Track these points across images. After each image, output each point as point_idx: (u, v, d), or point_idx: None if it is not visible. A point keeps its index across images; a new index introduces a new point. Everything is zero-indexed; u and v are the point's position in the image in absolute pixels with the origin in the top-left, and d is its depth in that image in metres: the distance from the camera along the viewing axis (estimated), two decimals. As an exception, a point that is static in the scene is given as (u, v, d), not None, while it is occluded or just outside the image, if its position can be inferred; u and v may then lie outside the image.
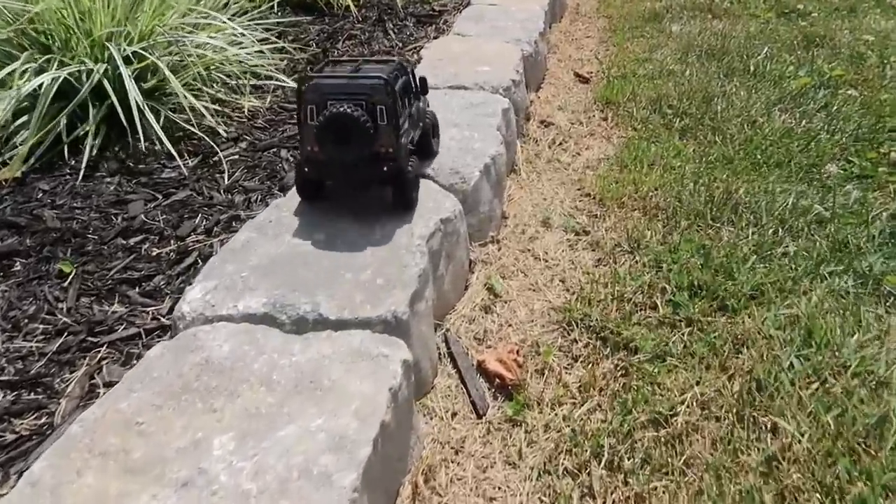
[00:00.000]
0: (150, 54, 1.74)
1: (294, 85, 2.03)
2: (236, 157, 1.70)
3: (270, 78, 2.07)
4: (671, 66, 2.84)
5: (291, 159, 1.70)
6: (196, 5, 1.93)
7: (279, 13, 2.87)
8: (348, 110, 1.14)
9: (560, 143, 2.24)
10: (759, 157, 2.00)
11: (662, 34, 3.31)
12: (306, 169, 1.27)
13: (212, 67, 1.89)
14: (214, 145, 1.68)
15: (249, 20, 2.51)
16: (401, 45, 2.58)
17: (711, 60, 2.87)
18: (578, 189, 1.95)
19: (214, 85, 1.94)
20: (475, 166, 1.58)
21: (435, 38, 2.66)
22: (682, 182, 1.88)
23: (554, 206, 1.85)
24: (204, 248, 1.34)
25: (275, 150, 1.74)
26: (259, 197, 1.53)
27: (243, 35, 2.06)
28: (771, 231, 1.63)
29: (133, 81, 1.67)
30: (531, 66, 2.54)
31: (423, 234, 1.28)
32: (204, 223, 1.42)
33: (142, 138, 1.64)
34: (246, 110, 1.91)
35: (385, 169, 1.23)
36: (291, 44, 2.48)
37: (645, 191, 1.86)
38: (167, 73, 1.69)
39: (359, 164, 1.21)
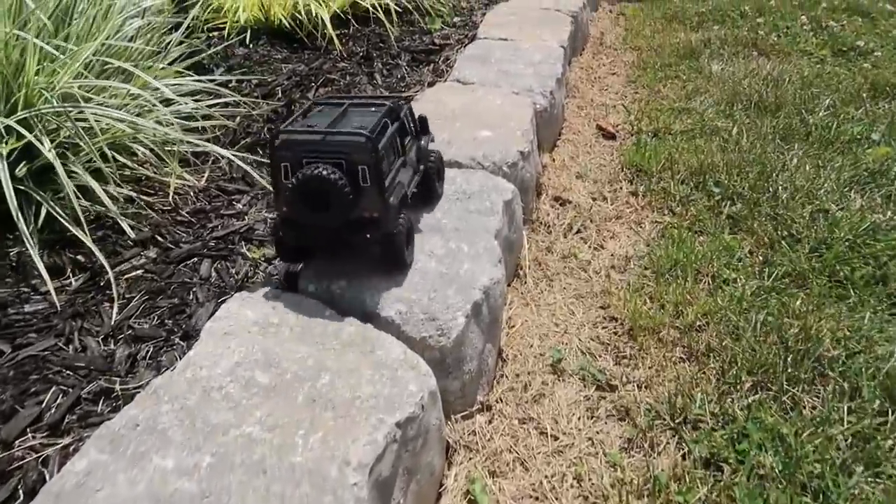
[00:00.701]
0: (36, 124, 1.30)
1: (231, 157, 1.58)
2: (139, 272, 1.25)
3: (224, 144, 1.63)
4: (714, 120, 2.37)
5: (214, 275, 1.26)
6: (105, 55, 1.48)
7: (251, 46, 2.43)
8: (324, 172, 1.00)
9: (578, 231, 1.78)
10: (840, 271, 1.53)
11: (701, 75, 2.83)
12: (281, 233, 1.12)
13: (124, 138, 1.45)
14: (104, 261, 1.23)
15: (204, 61, 2.07)
16: (387, 93, 2.13)
17: (763, 115, 2.39)
18: (601, 307, 1.49)
19: (134, 157, 1.49)
20: (460, 308, 1.13)
21: (431, 83, 2.21)
22: (739, 309, 1.42)
23: (568, 338, 1.39)
24: (31, 468, 0.89)
25: (195, 260, 1.29)
26: (150, 351, 1.08)
27: (183, 89, 1.61)
28: (875, 407, 1.16)
29: (5, 163, 1.24)
30: (546, 122, 2.08)
31: (365, 463, 0.83)
32: (53, 409, 0.97)
33: (26, 243, 1.20)
34: (171, 194, 1.47)
35: (368, 236, 1.08)
36: (253, 91, 2.04)
37: (690, 319, 1.40)
38: (48, 153, 1.25)
39: (340, 230, 1.08)
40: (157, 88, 1.44)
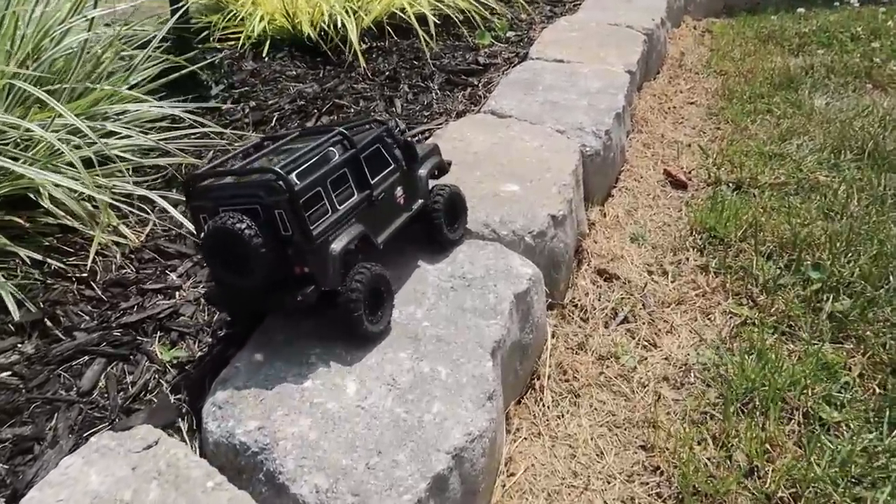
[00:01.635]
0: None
1: (175, 209, 1.25)
2: (5, 376, 0.93)
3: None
4: (815, 172, 1.89)
5: (100, 388, 0.93)
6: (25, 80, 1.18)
7: (266, 59, 2.13)
8: (229, 223, 0.83)
9: (625, 320, 1.36)
10: None
11: (799, 111, 2.34)
12: (210, 296, 0.98)
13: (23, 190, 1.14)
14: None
15: (203, 77, 1.76)
16: (405, 124, 1.77)
17: (880, 169, 1.89)
18: (642, 446, 1.08)
19: (40, 209, 1.18)
20: (410, 489, 0.75)
21: (460, 114, 1.84)
22: (845, 482, 0.97)
23: (589, 501, 0.98)
24: None
25: (83, 361, 0.96)
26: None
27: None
28: None
29: None
30: (597, 168, 1.68)
31: None
32: None
33: None
34: (91, 256, 1.15)
35: (300, 299, 0.86)
36: (244, 118, 1.72)
37: (770, 487, 0.97)
38: None
39: (271, 291, 0.88)
40: (75, 124, 1.12)
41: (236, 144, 1.56)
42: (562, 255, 1.34)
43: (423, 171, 1.10)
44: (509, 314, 1.04)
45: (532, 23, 2.80)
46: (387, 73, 2.08)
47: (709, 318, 1.38)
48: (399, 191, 1.03)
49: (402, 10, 2.32)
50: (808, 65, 2.75)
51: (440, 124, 1.74)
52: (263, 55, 2.16)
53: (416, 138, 1.65)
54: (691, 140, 2.20)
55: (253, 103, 1.80)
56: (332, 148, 0.95)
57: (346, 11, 2.24)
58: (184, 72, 1.63)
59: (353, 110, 1.80)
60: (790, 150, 2.04)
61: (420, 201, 1.08)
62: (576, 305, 1.38)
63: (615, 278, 1.47)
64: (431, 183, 1.13)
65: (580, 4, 3.00)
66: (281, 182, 0.84)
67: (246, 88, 1.91)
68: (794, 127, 2.20)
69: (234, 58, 2.12)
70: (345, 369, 0.90)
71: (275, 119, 1.72)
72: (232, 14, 2.35)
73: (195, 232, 0.92)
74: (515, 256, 1.17)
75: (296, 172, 0.87)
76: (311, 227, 0.86)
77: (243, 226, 0.82)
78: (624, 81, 2.05)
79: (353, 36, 2.12)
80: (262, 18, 2.23)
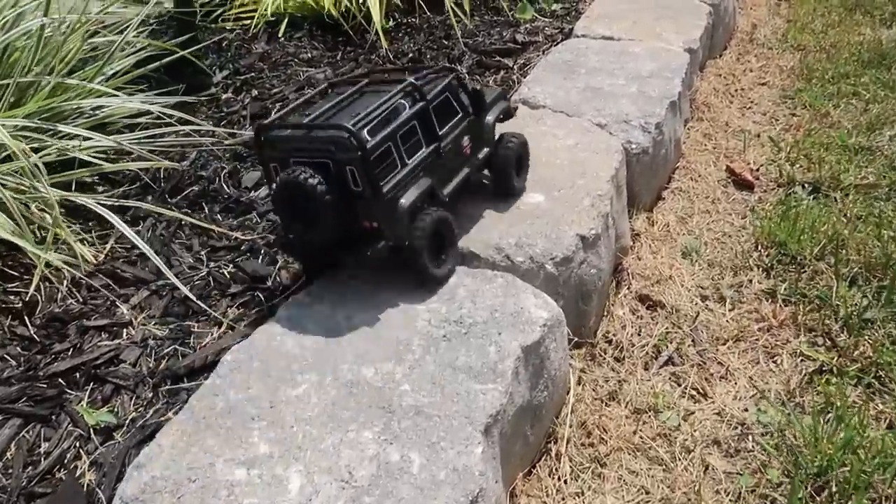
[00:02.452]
0: None
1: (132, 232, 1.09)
2: None
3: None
4: (912, 171, 1.59)
5: (12, 452, 0.77)
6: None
7: (282, 39, 1.94)
8: (301, 177, 0.83)
9: (669, 361, 1.13)
10: None
11: (893, 93, 2.00)
12: (283, 245, 1.00)
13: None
14: None
15: (207, 63, 1.59)
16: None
17: None
18: (682, 541, 0.85)
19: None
20: None
21: (487, 102, 1.60)
22: None
23: None
24: None
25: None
26: None
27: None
28: None
29: None
30: (645, 168, 1.43)
31: None
32: None
33: None
34: (35, 283, 0.99)
35: (370, 254, 0.87)
36: (241, 110, 1.53)
37: None
38: None
39: (339, 244, 0.89)
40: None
41: (226, 143, 1.38)
42: (593, 282, 1.11)
43: (490, 118, 1.07)
44: (513, 375, 0.82)
45: (582, -7, 2.52)
46: (410, 55, 1.86)
47: (774, 362, 1.13)
48: (466, 140, 1.02)
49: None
50: (903, 37, 2.38)
51: (461, 117, 1.51)
52: (280, 35, 1.97)
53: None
54: (761, 129, 1.90)
55: (255, 92, 1.62)
56: (402, 100, 0.93)
57: (371, -15, 2.02)
58: (172, 58, 1.45)
59: (364, 100, 1.59)
60: (881, 144, 1.72)
61: (486, 150, 1.07)
62: (609, 341, 1.15)
63: (660, 306, 1.23)
64: (498, 129, 1.11)
65: (638, -29, 2.68)
66: (353, 139, 0.83)
67: (252, 74, 1.72)
68: (885, 114, 1.87)
69: (245, 39, 1.93)
70: (291, 454, 0.71)
71: (275, 111, 1.53)
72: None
73: (266, 181, 0.96)
74: (529, 293, 0.95)
75: (367, 128, 0.86)
76: (381, 184, 0.85)
77: (315, 181, 0.82)
78: (683, 62, 1.76)
79: (376, 13, 1.90)
80: (279, -7, 2.03)
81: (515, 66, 1.84)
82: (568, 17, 2.23)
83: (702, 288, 1.29)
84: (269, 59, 1.81)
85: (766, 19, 2.77)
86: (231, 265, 1.07)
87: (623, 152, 1.34)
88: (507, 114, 1.14)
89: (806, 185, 1.59)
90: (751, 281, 1.30)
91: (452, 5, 2.02)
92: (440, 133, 0.95)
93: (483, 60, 1.85)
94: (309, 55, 1.86)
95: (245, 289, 1.02)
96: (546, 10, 2.31)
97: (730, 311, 1.24)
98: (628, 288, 1.26)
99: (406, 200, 0.88)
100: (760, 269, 1.33)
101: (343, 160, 0.84)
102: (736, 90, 2.14)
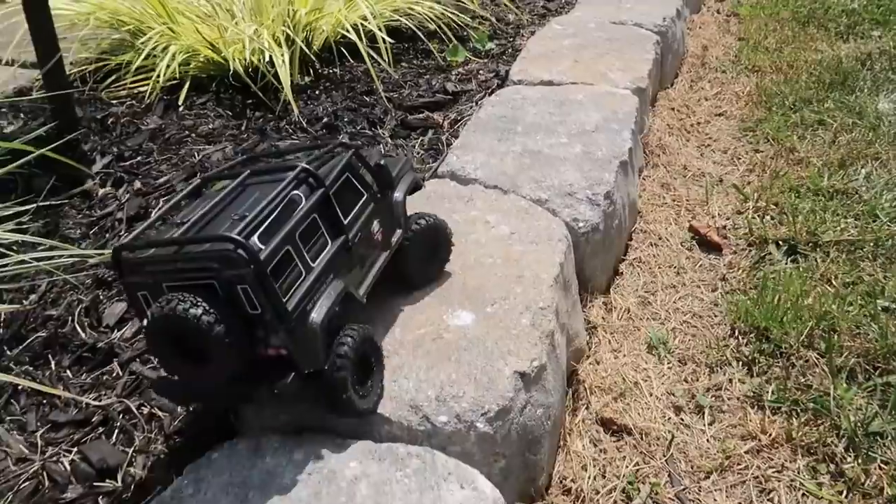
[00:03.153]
0: None
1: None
2: None
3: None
4: (896, 218, 1.41)
5: None
6: None
7: (180, 109, 1.70)
8: (179, 308, 0.65)
9: (642, 511, 0.91)
10: None
11: (862, 121, 1.83)
12: (158, 386, 0.79)
13: None
14: None
15: (86, 148, 1.34)
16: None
17: None
18: None
19: None
20: None
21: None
22: None
23: None
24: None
25: None
26: None
27: None
28: None
29: None
30: (595, 249, 1.22)
31: None
32: None
33: None
34: None
35: (276, 391, 0.69)
36: (117, 210, 1.29)
37: None
38: None
39: (231, 382, 0.71)
40: None
41: (91, 263, 1.13)
42: (541, 426, 0.89)
43: (398, 195, 0.92)
44: None
45: (520, 26, 2.32)
46: (325, 120, 1.63)
47: (770, 500, 0.92)
48: (376, 225, 0.87)
49: (351, 28, 1.85)
50: (863, 53, 2.22)
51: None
52: (179, 104, 1.73)
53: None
54: (723, 172, 1.71)
55: (138, 183, 1.37)
56: (296, 191, 0.77)
57: (280, 39, 1.79)
58: (35, 154, 1.20)
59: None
60: (857, 185, 1.54)
61: (399, 232, 0.91)
62: (567, 491, 0.93)
63: (626, 431, 1.01)
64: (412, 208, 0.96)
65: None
66: (241, 251, 0.66)
67: (139, 159, 1.48)
68: (856, 146, 1.69)
69: (137, 113, 1.69)
70: None
71: (159, 204, 1.29)
72: (150, 50, 1.92)
73: (134, 314, 0.83)
74: (454, 481, 0.72)
75: (257, 234, 0.70)
76: (285, 300, 0.69)
77: (198, 311, 0.65)
78: (631, 108, 1.57)
79: (284, 73, 1.67)
80: (174, 56, 1.79)
81: (446, 123, 1.63)
82: (504, 57, 2.03)
83: (674, 396, 1.08)
84: (160, 137, 1.57)
85: (717, 38, 2.61)
86: (74, 450, 0.83)
87: (568, 238, 1.13)
88: (416, 186, 0.99)
89: (780, 244, 1.39)
90: (731, 381, 1.10)
91: (368, 52, 1.80)
92: (345, 222, 0.80)
93: (407, 119, 1.63)
94: (210, 126, 1.62)
95: (85, 492, 0.77)
96: (480, 49, 2.11)
97: (710, 425, 1.03)
98: (587, 409, 1.04)
99: (317, 315, 0.72)
100: (740, 363, 1.13)
101: (231, 279, 0.67)
102: (692, 125, 1.96)
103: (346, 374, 0.73)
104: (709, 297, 1.29)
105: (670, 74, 2.22)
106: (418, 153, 1.49)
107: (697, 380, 1.11)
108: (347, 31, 1.85)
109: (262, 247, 0.69)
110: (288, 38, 1.83)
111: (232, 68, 1.75)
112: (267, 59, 1.74)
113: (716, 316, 1.24)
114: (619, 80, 1.71)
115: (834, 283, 1.26)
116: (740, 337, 1.17)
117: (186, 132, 1.59)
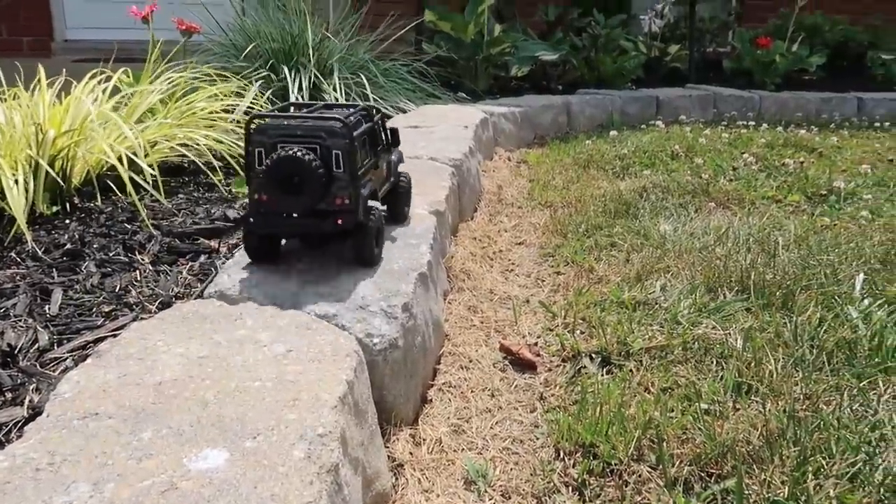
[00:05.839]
0: None
1: None
2: None
3: None
4: (695, 322, 1.38)
5: None
6: None
7: None
8: (298, 154, 1.03)
9: None
10: None
11: (649, 241, 1.89)
12: (252, 220, 1.10)
13: None
14: None
15: None
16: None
17: (774, 309, 1.43)
18: None
19: None
20: None
21: (167, 303, 1.13)
22: None
23: None
24: None
25: None
26: None
27: None
28: None
29: None
30: (395, 371, 1.03)
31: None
32: None
33: None
34: None
35: (340, 222, 1.08)
36: None
37: None
38: None
39: (312, 216, 1.08)
40: None
41: None
42: None
43: (394, 157, 1.40)
44: None
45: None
46: (69, 246, 1.34)
47: None
48: (384, 164, 1.29)
49: (117, 161, 1.62)
50: (639, 187, 2.40)
51: (117, 329, 1.01)
52: None
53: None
54: (529, 293, 1.65)
55: None
56: (361, 115, 1.20)
57: (21, 162, 1.51)
58: None
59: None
60: (655, 296, 1.53)
61: (392, 179, 1.37)
62: None
63: None
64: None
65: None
66: (345, 129, 1.06)
67: None
68: (648, 263, 1.72)
69: None
70: None
71: None
72: None
73: (246, 165, 1.09)
74: None
75: (350, 125, 1.09)
76: (357, 169, 1.08)
77: (309, 157, 1.03)
78: (429, 225, 1.47)
79: (16, 201, 1.38)
80: None
81: (223, 248, 1.41)
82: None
83: (500, 541, 0.86)
84: None
85: (510, 180, 2.71)
86: None
87: (359, 354, 0.93)
88: (401, 159, 1.47)
89: (594, 357, 1.30)
90: (563, 512, 0.91)
91: (136, 182, 1.57)
92: (373, 152, 1.21)
93: (175, 245, 1.39)
94: None
95: None
96: (271, 182, 1.95)
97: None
98: (392, 571, 0.79)
99: (365, 190, 1.12)
100: (570, 487, 0.96)
101: (331, 145, 1.06)
102: (494, 252, 1.91)
103: (374, 224, 1.13)
104: (528, 419, 1.14)
105: (469, 208, 2.22)
106: (185, 279, 1.25)
107: (525, 515, 0.91)
108: (113, 162, 1.61)
109: (354, 133, 1.08)
110: (32, 163, 1.55)
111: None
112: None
113: (538, 438, 1.08)
114: (418, 204, 1.63)
115: (652, 389, 1.16)
116: (566, 458, 1.01)
117: None
